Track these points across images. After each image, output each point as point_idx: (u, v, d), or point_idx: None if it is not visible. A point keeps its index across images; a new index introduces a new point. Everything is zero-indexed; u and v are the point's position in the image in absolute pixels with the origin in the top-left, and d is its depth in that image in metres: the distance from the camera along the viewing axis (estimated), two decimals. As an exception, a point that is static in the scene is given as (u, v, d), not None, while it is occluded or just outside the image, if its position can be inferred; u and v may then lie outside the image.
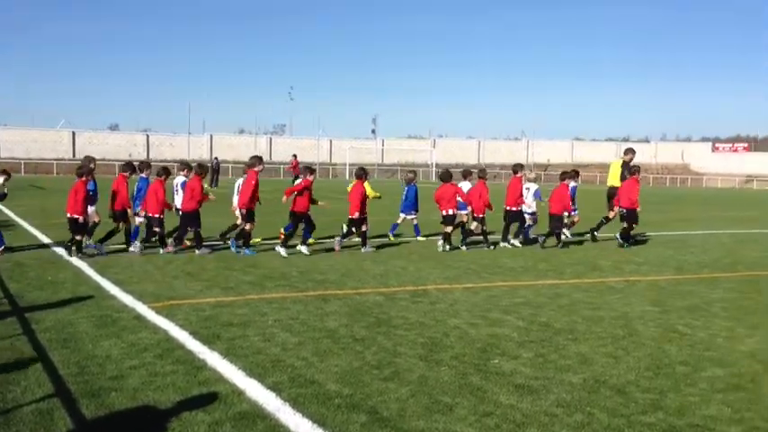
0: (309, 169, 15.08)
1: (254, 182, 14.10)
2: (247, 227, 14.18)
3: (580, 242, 17.49)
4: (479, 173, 16.56)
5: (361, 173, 15.23)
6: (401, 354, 6.96)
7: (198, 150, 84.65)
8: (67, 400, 5.46)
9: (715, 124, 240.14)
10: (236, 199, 15.06)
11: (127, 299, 9.28)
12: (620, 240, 16.63)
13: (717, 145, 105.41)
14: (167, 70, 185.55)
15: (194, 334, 7.50)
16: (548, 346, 7.39)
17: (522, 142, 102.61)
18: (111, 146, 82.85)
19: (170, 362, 6.49)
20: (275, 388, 5.82)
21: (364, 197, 14.90)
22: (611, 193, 17.91)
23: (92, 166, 13.90)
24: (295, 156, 45.89)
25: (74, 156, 78.58)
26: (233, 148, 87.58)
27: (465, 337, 7.69)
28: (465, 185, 16.92)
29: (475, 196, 15.88)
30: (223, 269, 12.03)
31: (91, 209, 13.79)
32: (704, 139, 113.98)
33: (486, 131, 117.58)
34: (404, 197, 17.58)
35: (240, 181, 15.07)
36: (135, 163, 15.14)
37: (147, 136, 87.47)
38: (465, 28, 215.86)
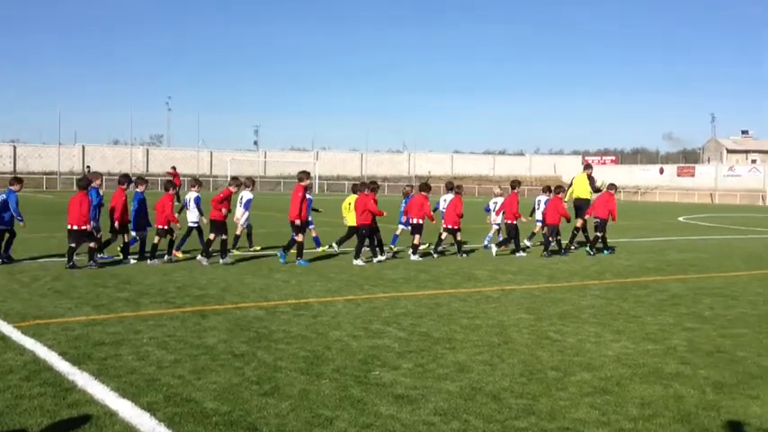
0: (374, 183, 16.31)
1: (300, 194, 15.00)
2: (299, 238, 15.03)
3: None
4: (456, 188, 18.19)
5: (375, 185, 16.29)
6: (282, 368, 6.90)
7: (68, 162, 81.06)
8: None
9: (584, 138, 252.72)
10: (239, 210, 16.65)
11: (-11, 319, 8.77)
12: (592, 252, 18.22)
13: (586, 158, 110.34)
14: (35, 78, 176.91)
15: (63, 354, 7.18)
16: (427, 356, 7.52)
17: (404, 155, 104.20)
18: (-25, 157, 78.36)
19: (37, 384, 6.19)
20: (150, 408, 5.65)
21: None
22: (578, 205, 19.73)
23: (97, 180, 15.05)
24: (174, 168, 45.22)
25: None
26: (106, 159, 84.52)
27: (346, 350, 7.72)
28: (448, 197, 18.16)
29: (450, 209, 17.39)
30: (95, 286, 11.58)
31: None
32: (575, 153, 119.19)
33: (369, 144, 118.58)
34: (403, 209, 18.51)
35: (242, 194, 16.62)
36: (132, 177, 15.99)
37: (14, 147, 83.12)
38: (345, 41, 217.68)
